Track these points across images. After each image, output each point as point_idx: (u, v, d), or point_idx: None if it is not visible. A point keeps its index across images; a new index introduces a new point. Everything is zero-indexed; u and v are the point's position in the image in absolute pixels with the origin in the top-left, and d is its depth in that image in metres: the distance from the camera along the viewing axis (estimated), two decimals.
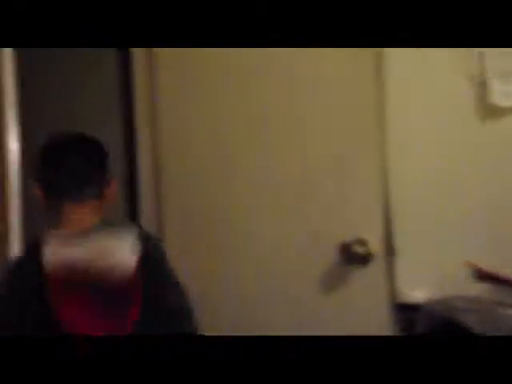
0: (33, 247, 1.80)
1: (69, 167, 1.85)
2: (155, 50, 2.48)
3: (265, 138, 2.29)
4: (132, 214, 2.70)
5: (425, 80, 2.34)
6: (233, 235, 2.35)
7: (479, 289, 2.19)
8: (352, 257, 2.12)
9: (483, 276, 2.19)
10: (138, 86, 2.61)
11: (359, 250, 2.12)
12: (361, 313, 2.14)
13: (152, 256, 1.79)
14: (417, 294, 2.27)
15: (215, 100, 2.38)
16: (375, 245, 2.12)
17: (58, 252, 1.74)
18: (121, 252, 1.75)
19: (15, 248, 2.48)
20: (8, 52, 2.54)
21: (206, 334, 1.75)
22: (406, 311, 2.21)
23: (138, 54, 2.59)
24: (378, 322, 2.15)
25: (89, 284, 1.72)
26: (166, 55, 2.45)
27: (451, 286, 2.21)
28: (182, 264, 2.25)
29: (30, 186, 1.94)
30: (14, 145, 2.56)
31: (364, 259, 2.12)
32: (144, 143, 2.61)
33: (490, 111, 2.35)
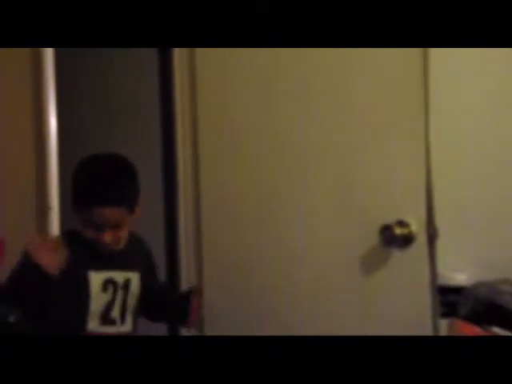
0: None
1: (103, 184, 1.97)
2: (196, 49, 2.49)
3: (307, 130, 2.29)
4: (171, 213, 2.73)
5: (471, 76, 2.32)
6: (274, 217, 2.36)
7: None
8: (393, 239, 2.10)
9: None
10: (179, 85, 2.63)
11: (401, 231, 2.09)
12: (402, 295, 2.12)
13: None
14: (459, 276, 2.25)
15: (258, 99, 2.39)
16: (417, 226, 2.09)
17: None
18: None
19: (55, 224, 2.52)
20: (49, 52, 2.57)
21: (254, 325, 1.77)
22: (448, 294, 2.19)
23: (179, 53, 2.61)
24: (419, 305, 2.12)
25: None
26: (207, 55, 2.46)
27: (495, 269, 2.18)
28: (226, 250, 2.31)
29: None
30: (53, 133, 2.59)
31: (406, 241, 2.10)
32: (183, 142, 2.63)
33: None
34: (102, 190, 1.95)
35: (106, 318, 2.03)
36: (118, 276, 2.04)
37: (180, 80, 2.63)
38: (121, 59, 3.06)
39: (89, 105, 3.18)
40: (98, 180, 1.97)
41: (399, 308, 2.12)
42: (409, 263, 2.11)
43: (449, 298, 2.20)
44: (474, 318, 2.09)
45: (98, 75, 3.19)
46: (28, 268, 1.89)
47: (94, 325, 2.01)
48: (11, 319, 2.16)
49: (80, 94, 3.14)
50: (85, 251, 1.99)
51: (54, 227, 2.51)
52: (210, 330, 2.38)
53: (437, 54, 2.09)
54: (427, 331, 2.07)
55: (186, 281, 2.62)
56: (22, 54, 2.56)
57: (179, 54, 2.61)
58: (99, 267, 2.01)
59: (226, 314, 2.38)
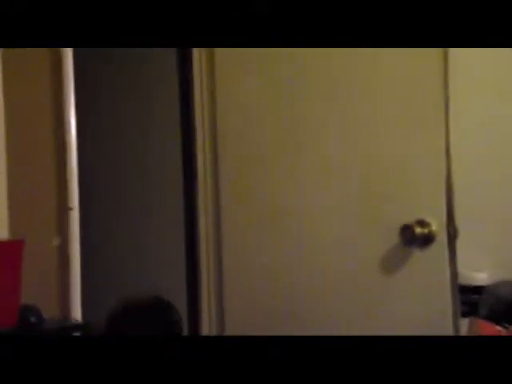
0: None
1: None
2: (215, 49, 2.50)
3: (327, 132, 2.30)
4: (190, 206, 2.74)
5: (490, 76, 2.31)
6: (295, 218, 2.36)
7: None
8: (414, 238, 2.09)
9: None
10: (198, 85, 2.64)
11: (421, 231, 2.09)
12: (423, 295, 2.11)
13: None
14: (480, 276, 2.24)
15: (276, 99, 2.39)
16: (437, 226, 2.08)
17: None
18: None
19: (75, 225, 2.54)
20: (69, 52, 2.57)
21: (278, 325, 1.77)
22: (468, 293, 2.18)
23: (198, 53, 2.62)
24: (439, 304, 2.11)
25: None
26: (226, 55, 2.47)
27: None
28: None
29: None
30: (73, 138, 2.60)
31: (426, 241, 2.09)
32: (202, 142, 2.64)
33: None
34: None
35: None
36: None
37: (199, 80, 2.64)
38: (138, 59, 3.07)
39: (107, 105, 3.18)
40: None
41: (420, 308, 2.11)
42: (429, 263, 2.10)
43: (469, 298, 2.20)
44: (494, 317, 2.09)
45: (115, 76, 3.19)
46: None
47: None
48: (32, 320, 2.18)
49: (98, 95, 3.15)
50: None
51: (75, 228, 2.53)
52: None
53: (456, 54, 2.09)
54: (448, 331, 2.07)
55: (206, 285, 2.63)
56: (42, 54, 2.57)
57: (198, 54, 2.62)
58: None
59: (247, 315, 2.39)
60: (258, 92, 2.44)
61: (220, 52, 2.50)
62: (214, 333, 2.57)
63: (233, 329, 2.48)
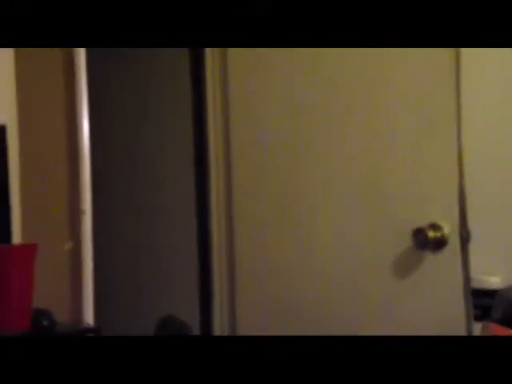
0: None
1: None
2: (228, 49, 2.50)
3: (340, 134, 2.31)
4: (202, 209, 2.75)
5: (503, 79, 2.30)
6: (308, 223, 2.36)
7: None
8: (426, 242, 2.09)
9: None
10: (210, 86, 2.65)
11: (433, 234, 2.08)
12: (435, 298, 2.11)
13: None
14: (493, 279, 2.23)
15: (289, 100, 2.40)
16: (450, 230, 2.08)
17: None
18: None
19: (87, 228, 2.54)
20: (81, 52, 2.58)
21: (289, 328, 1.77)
22: (481, 297, 2.17)
23: (211, 53, 2.63)
24: (452, 308, 2.11)
25: None
26: (238, 55, 2.47)
27: None
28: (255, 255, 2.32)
29: None
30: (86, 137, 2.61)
31: (438, 244, 2.09)
32: (215, 143, 2.65)
33: None
34: None
35: None
36: None
37: (212, 80, 2.64)
38: (150, 59, 3.08)
39: (120, 107, 3.19)
40: None
41: (433, 311, 2.11)
42: (442, 266, 2.10)
43: (482, 301, 2.18)
44: (507, 321, 2.08)
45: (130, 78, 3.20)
46: None
47: None
48: (45, 323, 2.18)
49: (111, 96, 3.16)
50: None
51: (87, 232, 2.53)
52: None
53: (468, 56, 2.08)
54: (461, 334, 2.06)
55: (218, 291, 2.63)
56: (55, 55, 2.57)
57: (211, 55, 2.62)
58: None
59: (259, 319, 2.39)
60: (271, 94, 2.45)
61: (233, 52, 2.51)
62: (225, 334, 2.58)
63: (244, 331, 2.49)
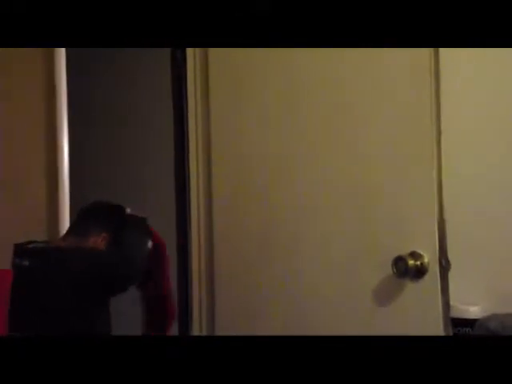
0: None
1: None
2: (208, 49, 2.52)
3: (323, 166, 2.32)
4: (182, 209, 2.74)
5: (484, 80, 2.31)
6: (288, 249, 2.37)
7: None
8: (406, 270, 2.10)
9: None
10: (191, 85, 2.65)
11: (413, 263, 2.10)
12: (414, 327, 2.11)
13: None
14: (472, 309, 2.24)
15: (266, 99, 2.41)
16: (430, 258, 2.09)
17: None
18: None
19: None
20: (61, 52, 2.57)
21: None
22: (460, 326, 2.18)
23: (192, 53, 2.64)
24: None
25: None
26: (219, 55, 2.49)
27: (508, 302, 2.17)
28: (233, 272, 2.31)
29: None
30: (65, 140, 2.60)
31: (418, 272, 2.10)
32: (195, 142, 2.65)
33: None
34: None
35: None
36: None
37: (193, 84, 2.66)
38: (132, 61, 3.08)
39: (101, 107, 3.19)
40: None
41: None
42: (422, 294, 2.11)
43: (461, 331, 2.19)
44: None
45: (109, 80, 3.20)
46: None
47: None
48: None
49: (91, 96, 3.16)
50: None
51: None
52: None
53: (448, 90, 2.11)
54: None
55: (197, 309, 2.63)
56: (35, 54, 2.56)
57: (192, 55, 2.64)
58: None
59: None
60: (251, 97, 2.47)
61: (214, 52, 2.53)
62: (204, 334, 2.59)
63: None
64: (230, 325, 2.52)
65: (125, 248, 2.32)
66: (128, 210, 2.46)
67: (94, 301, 2.19)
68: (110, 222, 2.38)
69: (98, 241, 2.32)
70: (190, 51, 2.67)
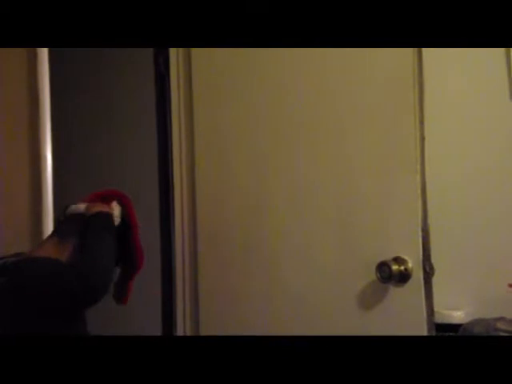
0: None
1: None
2: (192, 49, 2.52)
3: (306, 171, 2.31)
4: (166, 213, 2.72)
5: (470, 116, 2.31)
6: (272, 256, 2.37)
7: None
8: (390, 275, 2.09)
9: None
10: (174, 85, 2.64)
11: (397, 268, 2.09)
12: (398, 332, 2.10)
13: None
14: (456, 314, 2.24)
15: (249, 104, 2.40)
16: (413, 263, 2.09)
17: None
18: None
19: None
20: (44, 52, 2.56)
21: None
22: (444, 331, 2.18)
23: (175, 53, 2.63)
24: None
25: None
26: (202, 55, 2.48)
27: (492, 308, 2.18)
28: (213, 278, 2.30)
29: None
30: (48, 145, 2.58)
31: (402, 278, 2.10)
32: (179, 143, 2.64)
33: None
34: None
35: None
36: None
37: (176, 84, 2.65)
38: (117, 61, 3.07)
39: (83, 108, 3.18)
40: None
41: None
42: (405, 300, 2.10)
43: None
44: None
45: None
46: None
47: None
48: None
49: (73, 97, 3.15)
50: None
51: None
52: None
53: (433, 98, 2.11)
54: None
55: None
56: (18, 55, 2.54)
57: (175, 55, 2.63)
58: None
59: None
60: (234, 97, 2.47)
61: (197, 52, 2.52)
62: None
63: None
64: (214, 331, 2.50)
65: (86, 254, 2.06)
66: (72, 207, 2.22)
67: (62, 317, 1.97)
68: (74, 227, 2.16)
69: (66, 249, 2.10)
70: (173, 51, 2.67)
